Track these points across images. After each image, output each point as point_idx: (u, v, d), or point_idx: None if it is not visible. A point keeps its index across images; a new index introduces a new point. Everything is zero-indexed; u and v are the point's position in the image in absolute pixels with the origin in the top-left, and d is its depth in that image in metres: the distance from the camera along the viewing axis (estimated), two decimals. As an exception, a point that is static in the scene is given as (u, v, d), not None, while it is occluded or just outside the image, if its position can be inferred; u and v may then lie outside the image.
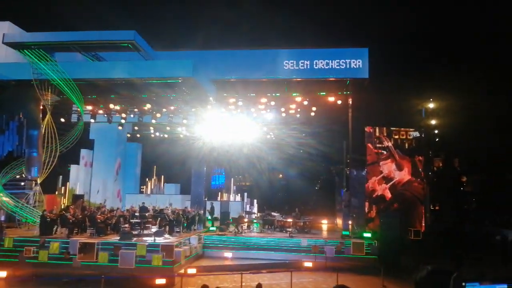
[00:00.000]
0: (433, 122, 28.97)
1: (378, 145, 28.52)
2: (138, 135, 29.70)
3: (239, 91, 22.39)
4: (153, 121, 23.54)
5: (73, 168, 28.09)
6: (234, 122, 24.68)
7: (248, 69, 21.83)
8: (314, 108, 23.01)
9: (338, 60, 21.63)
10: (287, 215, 24.92)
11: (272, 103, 22.88)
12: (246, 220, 23.58)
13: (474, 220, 42.44)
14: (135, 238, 17.60)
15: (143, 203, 21.00)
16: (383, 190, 28.49)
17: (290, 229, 22.41)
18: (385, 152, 28.56)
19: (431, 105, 28.41)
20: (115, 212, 21.02)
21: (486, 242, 27.28)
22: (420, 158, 28.92)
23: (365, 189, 25.38)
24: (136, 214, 20.11)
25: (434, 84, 30.62)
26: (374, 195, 28.16)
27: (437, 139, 32.88)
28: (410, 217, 28.23)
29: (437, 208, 44.35)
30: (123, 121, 24.17)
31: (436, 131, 30.66)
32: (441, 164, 55.26)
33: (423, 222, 28.61)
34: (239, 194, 30.73)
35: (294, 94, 22.46)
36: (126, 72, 18.53)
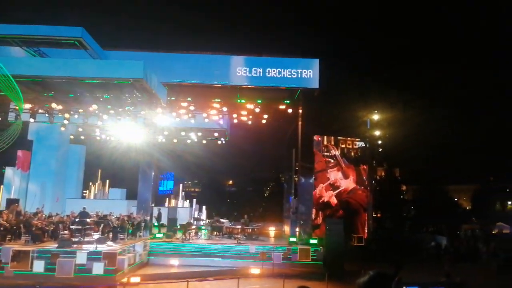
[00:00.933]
0: (377, 132, 30.40)
1: (325, 154, 29.41)
2: (82, 137, 28.29)
3: (191, 96, 22.14)
4: (99, 122, 22.54)
5: (8, 170, 26.17)
6: (184, 127, 24.33)
7: (201, 73, 21.67)
8: (265, 116, 23.27)
9: (290, 70, 22.10)
10: (235, 221, 24.89)
11: (224, 109, 22.86)
12: (194, 226, 23.24)
13: (412, 227, 44.92)
14: (75, 246, 16.68)
15: (84, 208, 19.96)
16: (330, 197, 29.37)
17: (238, 236, 22.39)
18: (332, 161, 29.50)
19: (375, 117, 29.82)
20: (53, 218, 19.82)
21: (422, 248, 28.95)
22: (365, 167, 30.23)
23: (313, 196, 25.99)
24: (76, 220, 19.09)
25: (379, 97, 32.19)
26: (321, 202, 28.95)
27: (380, 149, 34.51)
28: (354, 223, 29.33)
29: (379, 215, 46.43)
30: (66, 121, 22.90)
31: (379, 142, 32.18)
32: (383, 173, 58.09)
33: (366, 228, 29.82)
34: (187, 200, 30.22)
35: (240, 101, 22.54)
36: (72, 70, 17.58)
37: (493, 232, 40.52)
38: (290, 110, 22.88)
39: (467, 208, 55.48)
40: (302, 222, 22.89)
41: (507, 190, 48.32)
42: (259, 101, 22.54)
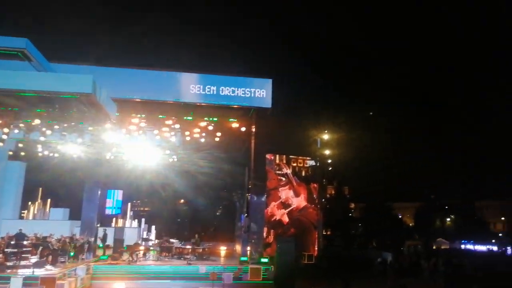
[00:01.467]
0: (327, 152, 31.31)
1: (278, 172, 29.79)
2: (22, 153, 26.49)
3: (142, 112, 21.62)
4: (42, 138, 21.27)
5: None
6: (135, 144, 23.63)
7: (153, 90, 21.30)
8: (218, 134, 23.21)
9: (244, 89, 22.36)
10: (186, 241, 24.29)
11: (177, 126, 22.51)
12: (142, 247, 22.36)
13: (360, 244, 46.38)
14: (9, 270, 15.43)
15: (20, 229, 18.57)
16: (281, 215, 29.62)
17: (188, 256, 21.84)
18: (284, 179, 29.91)
19: (325, 137, 30.76)
20: (-15, 240, 18.23)
21: (369, 264, 29.83)
22: (315, 185, 30.91)
23: (265, 215, 26.06)
24: (12, 242, 17.70)
25: (329, 118, 33.34)
26: (272, 220, 29.09)
27: (330, 168, 35.52)
28: (305, 241, 29.70)
29: (329, 233, 47.51)
30: (4, 136, 21.39)
31: (329, 161, 33.14)
32: (333, 192, 59.74)
33: (316, 246, 30.29)
34: (136, 220, 29.10)
35: (193, 119, 22.40)
36: (13, 82, 16.56)
37: (434, 248, 42.81)
38: (243, 129, 23.00)
39: (411, 225, 58.15)
40: (253, 241, 22.80)
41: (446, 207, 51.32)
42: (213, 119, 22.50)
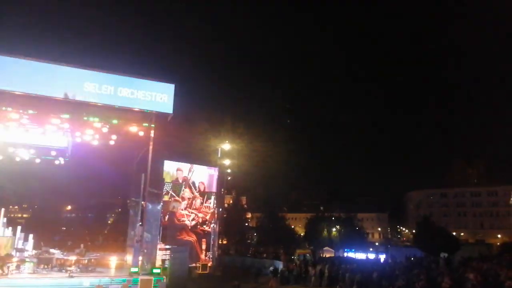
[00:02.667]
0: (227, 162, 31.67)
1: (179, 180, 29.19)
2: None
3: (24, 107, 19.37)
4: None
5: None
6: (13, 141, 21.08)
7: (38, 83, 19.24)
8: (114, 137, 21.91)
9: (144, 92, 21.53)
10: (69, 252, 22.26)
11: (66, 125, 20.67)
12: (16, 259, 19.84)
13: (255, 252, 47.56)
14: None
15: None
16: (179, 224, 29.01)
17: (71, 268, 20.01)
18: (184, 187, 29.42)
19: (226, 146, 31.10)
20: None
21: (261, 272, 30.69)
22: (214, 195, 30.97)
23: (162, 223, 25.29)
24: None
25: (230, 128, 33.86)
26: (170, 229, 28.28)
27: (229, 178, 35.95)
28: (200, 251, 29.45)
29: (225, 242, 47.83)
30: None
31: (229, 170, 33.53)
32: (231, 201, 60.52)
33: (211, 255, 30.22)
34: (10, 228, 25.76)
35: (87, 119, 20.81)
36: None
37: (321, 256, 45.86)
38: (141, 133, 22.07)
39: (302, 234, 61.50)
40: (146, 250, 21.84)
41: (333, 218, 55.50)
42: (108, 121, 21.14)
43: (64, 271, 19.96)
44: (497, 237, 77.71)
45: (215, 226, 30.70)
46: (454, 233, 64.46)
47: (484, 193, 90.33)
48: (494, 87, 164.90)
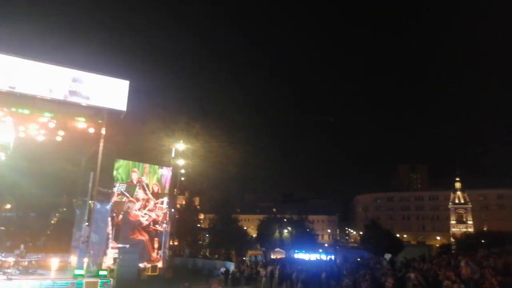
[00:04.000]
0: (181, 162, 31.17)
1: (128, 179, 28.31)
2: None
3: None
4: None
5: None
6: None
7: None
8: (61, 132, 20.90)
9: (96, 87, 20.75)
10: (8, 253, 20.90)
11: (8, 119, 19.44)
12: None
13: (207, 254, 47.26)
14: None
15: None
16: (130, 224, 28.16)
17: (9, 270, 18.80)
18: (138, 188, 28.63)
19: (180, 146, 30.60)
20: None
21: (213, 274, 30.57)
22: (167, 196, 30.34)
23: (114, 222, 24.49)
24: None
25: (185, 127, 33.36)
26: (119, 229, 27.38)
27: (182, 178, 35.43)
28: (151, 251, 28.76)
29: (176, 243, 47.08)
30: None
31: (182, 171, 33.03)
32: (184, 202, 59.62)
33: (162, 257, 29.59)
34: None
35: (31, 112, 19.72)
36: None
37: (272, 257, 46.40)
38: (91, 130, 21.24)
39: (254, 236, 61.87)
40: (92, 252, 21.01)
41: (285, 220, 56.36)
42: (55, 115, 20.15)
43: (1, 273, 18.71)
44: (437, 239, 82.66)
45: (166, 226, 30.13)
46: (398, 235, 67.77)
47: (426, 198, 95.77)
48: (435, 98, 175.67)
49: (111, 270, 20.48)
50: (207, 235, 59.12)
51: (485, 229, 67.73)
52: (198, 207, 68.10)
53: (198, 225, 62.13)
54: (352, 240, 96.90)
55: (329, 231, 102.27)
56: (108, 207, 23.53)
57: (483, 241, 42.24)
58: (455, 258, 21.35)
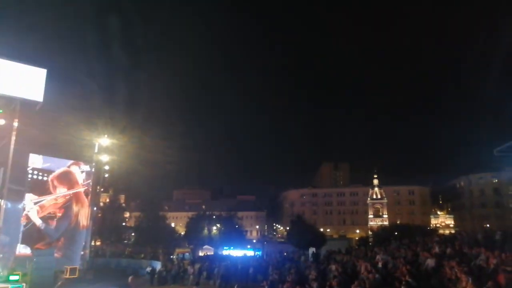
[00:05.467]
0: (105, 158, 29.58)
1: (44, 176, 26.21)
2: None
3: None
4: None
5: None
6: None
7: None
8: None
9: (9, 74, 18.92)
10: None
11: None
12: None
13: (132, 253, 45.52)
14: None
15: None
16: (47, 224, 26.15)
17: None
18: (54, 185, 26.62)
19: (104, 141, 29.01)
20: None
21: (138, 274, 29.56)
22: (87, 192, 28.64)
23: (19, 225, 22.46)
24: None
25: (110, 121, 31.71)
26: (34, 229, 25.29)
27: (106, 175, 33.71)
28: (71, 252, 27.03)
29: (99, 243, 44.72)
30: None
31: (107, 167, 31.38)
32: (108, 200, 56.86)
33: (83, 257, 27.94)
34: None
35: None
36: None
37: (200, 254, 46.15)
38: (2, 122, 19.31)
39: (182, 233, 61.00)
40: (2, 255, 19.19)
41: (214, 217, 56.39)
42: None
43: None
44: (356, 232, 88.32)
45: (89, 226, 28.48)
46: (322, 229, 71.21)
47: (347, 194, 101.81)
48: (358, 99, 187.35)
49: (24, 274, 18.83)
50: (132, 234, 57.06)
51: (398, 222, 73.62)
52: (123, 205, 65.51)
53: (123, 224, 59.69)
54: (279, 235, 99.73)
55: (257, 227, 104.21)
56: (21, 206, 21.63)
57: (396, 233, 45.82)
58: (371, 249, 22.96)
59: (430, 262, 13.64)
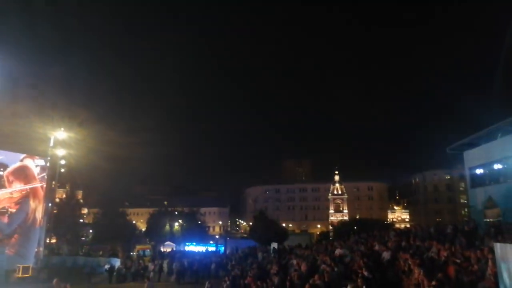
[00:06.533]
0: (61, 152, 28.40)
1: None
2: None
3: None
4: None
5: None
6: None
7: None
8: None
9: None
10: None
11: None
12: None
13: (90, 250, 44.06)
14: None
15: None
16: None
17: None
18: (6, 180, 25.30)
19: (61, 135, 27.82)
20: None
21: (96, 272, 28.75)
22: (43, 188, 27.42)
23: None
24: None
25: (67, 114, 30.44)
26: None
27: (62, 170, 32.39)
28: (23, 251, 25.82)
29: (54, 240, 42.94)
30: None
31: (63, 161, 30.16)
32: (64, 195, 54.67)
33: (37, 256, 26.78)
34: None
35: None
36: None
37: (162, 250, 45.39)
38: None
39: (143, 230, 59.76)
40: None
41: (176, 213, 55.51)
42: None
43: None
44: (318, 227, 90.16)
45: (43, 223, 27.30)
46: (284, 225, 72.09)
47: (309, 189, 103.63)
48: (319, 98, 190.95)
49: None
50: (90, 231, 55.25)
51: (357, 217, 75.86)
52: (81, 201, 63.31)
53: (81, 221, 57.64)
54: (242, 231, 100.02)
55: (220, 222, 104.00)
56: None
57: (355, 227, 47.14)
58: (331, 244, 23.50)
59: (386, 255, 14.15)
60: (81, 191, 67.48)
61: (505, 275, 4.92)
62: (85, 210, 65.44)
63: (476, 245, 13.01)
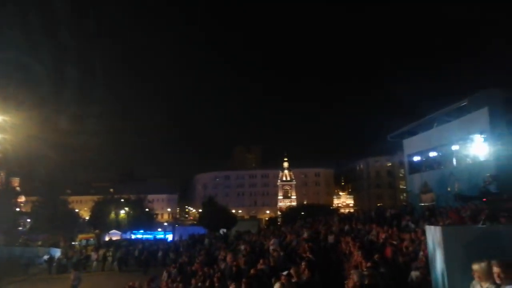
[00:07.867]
0: (-5, 136, 26.35)
1: None
2: None
3: None
4: None
5: None
6: None
7: None
8: None
9: None
10: None
11: None
12: None
13: (28, 241, 41.71)
14: None
15: None
16: None
17: None
18: None
19: (-5, 117, 25.74)
20: None
21: (34, 262, 27.38)
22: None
23: None
24: None
25: (2, 96, 28.14)
26: None
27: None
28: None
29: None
30: None
31: (-4, 147, 28.00)
32: (-1, 183, 50.99)
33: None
34: None
35: None
36: None
37: (106, 239, 44.06)
38: None
39: (87, 218, 57.45)
40: None
41: (122, 200, 53.76)
42: None
43: None
44: (267, 213, 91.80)
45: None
46: (234, 211, 72.58)
47: (259, 176, 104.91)
48: (269, 85, 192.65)
49: None
50: (28, 220, 52.23)
51: (305, 202, 78.10)
52: (18, 188, 59.50)
53: (18, 209, 54.24)
54: (191, 217, 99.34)
55: (169, 210, 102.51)
56: None
57: (302, 213, 48.57)
58: (279, 229, 24.04)
59: (330, 238, 14.69)
60: (18, 178, 63.35)
61: (436, 255, 5.27)
62: (22, 198, 61.61)
63: (412, 227, 13.84)
